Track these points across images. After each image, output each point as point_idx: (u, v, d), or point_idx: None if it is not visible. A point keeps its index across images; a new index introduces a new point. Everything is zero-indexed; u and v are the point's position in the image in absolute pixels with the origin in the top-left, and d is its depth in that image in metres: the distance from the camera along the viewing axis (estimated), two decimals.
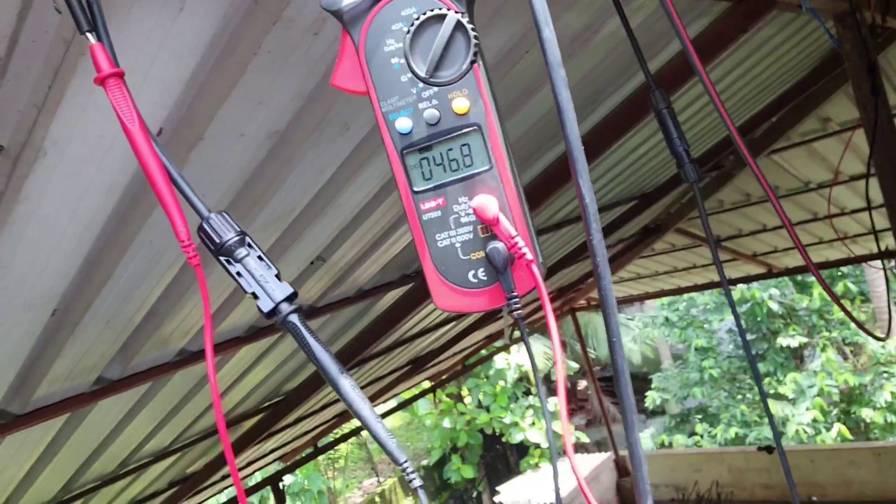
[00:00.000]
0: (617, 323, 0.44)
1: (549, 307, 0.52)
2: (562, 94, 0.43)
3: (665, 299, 13.35)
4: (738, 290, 11.61)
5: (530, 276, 0.55)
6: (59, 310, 1.54)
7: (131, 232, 1.42)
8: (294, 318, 0.56)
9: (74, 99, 1.06)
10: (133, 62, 1.07)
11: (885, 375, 11.08)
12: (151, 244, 1.51)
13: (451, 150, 0.57)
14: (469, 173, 0.58)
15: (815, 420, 10.73)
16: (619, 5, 1.15)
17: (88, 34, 0.56)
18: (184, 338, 2.14)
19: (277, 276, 0.57)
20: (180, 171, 0.59)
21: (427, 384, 7.65)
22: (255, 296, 0.57)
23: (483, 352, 7.33)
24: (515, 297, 0.56)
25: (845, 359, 12.24)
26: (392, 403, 7.03)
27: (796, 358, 12.35)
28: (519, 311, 0.56)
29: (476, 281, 0.59)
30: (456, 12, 0.54)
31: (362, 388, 5.19)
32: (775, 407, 10.97)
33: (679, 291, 8.09)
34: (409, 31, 0.54)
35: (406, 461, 0.54)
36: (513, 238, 0.55)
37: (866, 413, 10.92)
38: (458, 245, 0.58)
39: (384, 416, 6.96)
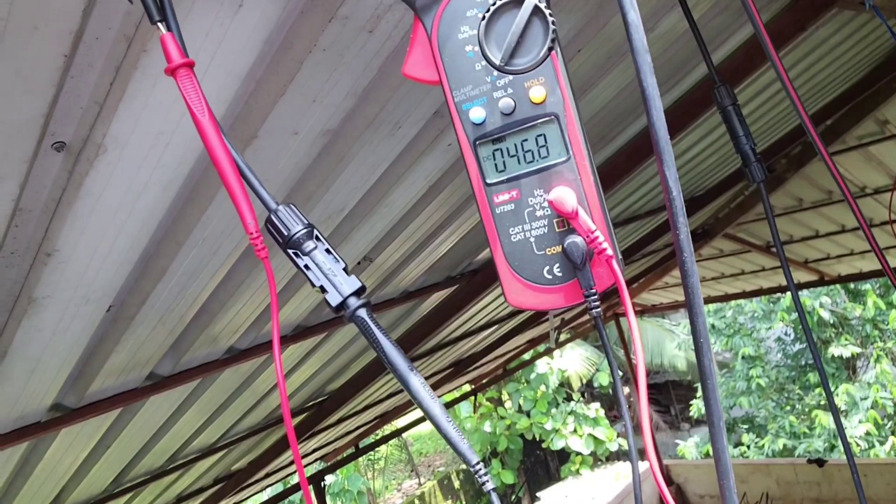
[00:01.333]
0: (704, 322, 0.41)
1: (629, 304, 0.50)
2: (647, 80, 0.41)
3: (711, 306, 13.06)
4: (787, 298, 11.31)
5: (610, 272, 0.53)
6: (115, 305, 1.57)
7: (187, 227, 1.44)
8: (362, 313, 0.54)
9: (135, 95, 1.07)
10: (193, 58, 1.08)
11: None
12: (206, 241, 1.52)
13: (526, 140, 0.55)
14: (545, 165, 0.55)
15: (868, 433, 10.38)
16: None
17: (159, 24, 0.56)
18: (233, 335, 2.16)
19: (345, 270, 0.56)
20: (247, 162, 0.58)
21: (468, 387, 7.62)
22: (322, 289, 0.56)
23: (525, 356, 7.28)
24: (594, 293, 0.54)
25: None
26: None
27: (848, 368, 11.98)
28: (598, 310, 0.54)
29: (551, 277, 0.56)
30: None
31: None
32: (827, 419, 10.65)
33: (726, 298, 7.91)
34: (484, 18, 0.52)
35: (478, 462, 0.52)
36: (592, 232, 0.52)
37: None
38: (532, 239, 0.56)
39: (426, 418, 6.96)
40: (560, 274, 0.55)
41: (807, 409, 11.71)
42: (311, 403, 3.66)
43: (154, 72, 1.06)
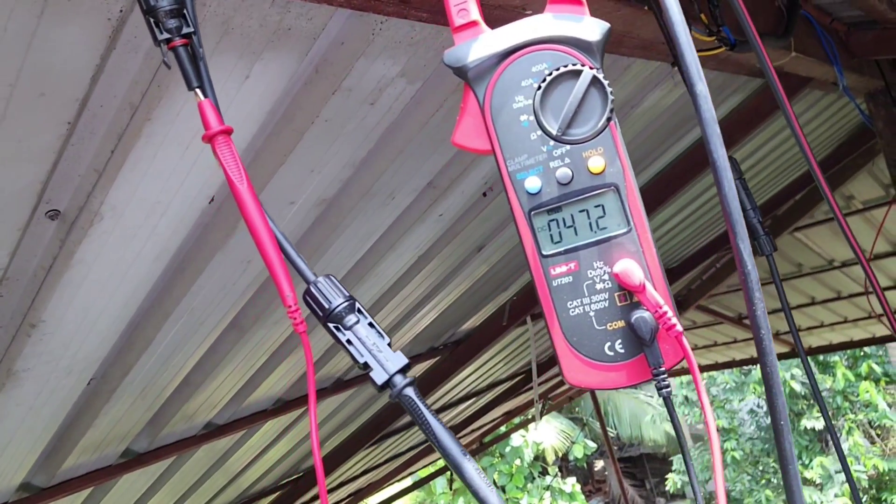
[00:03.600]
0: (783, 403, 0.39)
1: (699, 380, 0.48)
2: (717, 151, 0.40)
3: (684, 377, 13.06)
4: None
5: (679, 347, 0.51)
6: (96, 378, 1.50)
7: (175, 298, 1.40)
8: (410, 392, 0.51)
9: (136, 164, 1.05)
10: (196, 128, 1.07)
11: None
12: (193, 311, 1.48)
13: (583, 211, 0.54)
14: (605, 236, 0.54)
15: None
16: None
17: (197, 90, 0.55)
18: (212, 410, 2.08)
19: (389, 345, 0.53)
20: (285, 233, 0.56)
21: (442, 462, 7.43)
22: (366, 366, 0.53)
23: (501, 428, 7.15)
24: (663, 372, 0.51)
25: (872, 443, 11.85)
26: (408, 482, 6.81)
27: (821, 441, 11.97)
28: (669, 389, 0.52)
29: (613, 354, 0.54)
30: (591, 68, 0.52)
31: (379, 465, 4.97)
32: (805, 493, 10.55)
33: (699, 370, 7.90)
34: (539, 87, 0.52)
35: None
36: (661, 307, 0.51)
37: None
38: (592, 314, 0.54)
39: (401, 494, 6.74)
40: (623, 350, 0.53)
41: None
42: (285, 481, 3.52)
43: (157, 140, 1.05)
